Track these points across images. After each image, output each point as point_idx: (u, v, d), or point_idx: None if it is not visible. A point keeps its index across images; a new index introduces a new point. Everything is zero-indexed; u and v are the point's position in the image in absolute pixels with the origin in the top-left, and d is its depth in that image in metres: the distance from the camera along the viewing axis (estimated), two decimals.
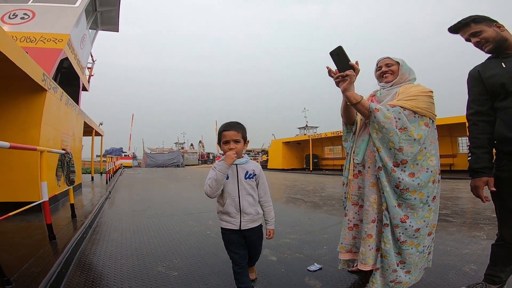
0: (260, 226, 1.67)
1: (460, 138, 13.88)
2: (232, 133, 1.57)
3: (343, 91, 1.54)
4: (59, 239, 2.61)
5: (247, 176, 1.61)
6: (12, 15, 6.70)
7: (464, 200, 5.61)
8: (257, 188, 1.66)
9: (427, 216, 1.57)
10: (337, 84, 1.55)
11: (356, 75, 1.52)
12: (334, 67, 1.55)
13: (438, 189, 1.63)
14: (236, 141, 1.57)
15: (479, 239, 2.88)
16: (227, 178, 1.58)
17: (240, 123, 1.65)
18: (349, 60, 1.50)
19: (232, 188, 1.58)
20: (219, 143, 1.63)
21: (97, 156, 11.97)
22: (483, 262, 2.14)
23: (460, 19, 1.54)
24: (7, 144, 1.84)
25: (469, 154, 1.51)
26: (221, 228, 1.63)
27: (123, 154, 29.48)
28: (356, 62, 1.51)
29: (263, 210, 1.68)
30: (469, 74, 1.58)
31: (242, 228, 1.58)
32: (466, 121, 1.58)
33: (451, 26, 1.57)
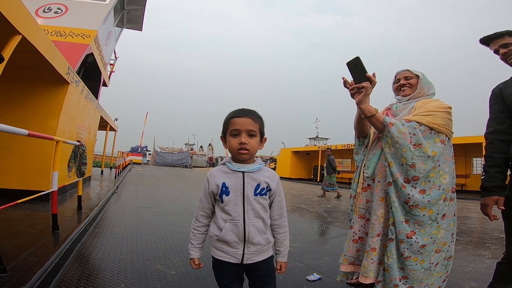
0: (272, 257, 1.15)
1: (475, 159, 13.48)
2: (246, 121, 1.07)
3: (358, 103, 1.51)
4: (62, 230, 2.65)
5: (257, 192, 1.08)
6: (47, 9, 6.99)
7: (472, 220, 5.51)
8: (271, 203, 1.14)
9: (435, 233, 1.53)
10: (352, 95, 1.53)
11: (373, 87, 1.49)
12: (350, 78, 1.53)
13: (450, 207, 1.59)
14: (251, 134, 1.07)
15: (484, 258, 2.87)
16: (228, 192, 1.07)
17: (257, 112, 1.13)
18: (366, 72, 1.47)
19: (234, 207, 1.07)
20: (224, 136, 1.13)
21: (123, 152, 12.47)
22: (484, 280, 2.13)
23: (495, 32, 1.51)
24: (25, 131, 1.90)
25: (483, 173, 1.47)
26: (213, 257, 1.12)
27: (147, 152, 32.73)
28: (373, 74, 1.48)
29: (275, 237, 1.15)
30: (492, 91, 1.53)
31: (245, 262, 1.08)
32: (482, 141, 1.54)
33: (484, 37, 1.53)
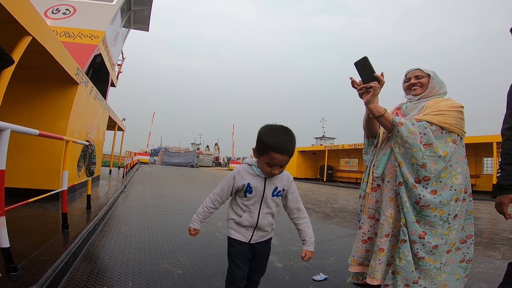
0: (270, 239, 1.44)
1: (485, 159, 13.22)
2: (284, 158, 1.22)
3: (366, 103, 1.50)
4: (72, 229, 2.68)
5: (275, 193, 1.33)
6: (55, 10, 7.05)
7: (483, 220, 5.41)
8: (286, 200, 1.39)
9: (446, 234, 1.51)
10: (361, 95, 1.52)
11: (381, 87, 1.48)
12: (358, 78, 1.52)
13: (462, 208, 1.56)
14: (283, 165, 1.28)
15: (493, 259, 2.85)
16: (251, 191, 1.31)
17: (294, 137, 1.26)
18: (374, 71, 1.45)
19: (254, 203, 1.33)
20: (258, 153, 1.27)
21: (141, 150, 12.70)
22: (494, 281, 2.11)
23: None
24: (36, 131, 1.93)
25: (499, 170, 1.43)
26: (229, 237, 1.38)
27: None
28: (381, 74, 1.47)
29: (298, 229, 1.41)
30: (510, 86, 1.49)
31: (251, 242, 1.36)
32: (493, 141, 1.50)
33: None
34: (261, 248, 1.39)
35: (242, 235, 1.35)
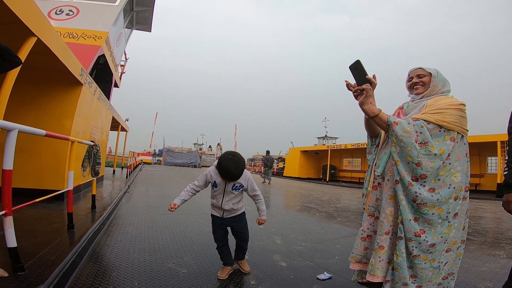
0: (240, 214, 2.11)
1: (489, 158, 13.09)
2: (232, 181, 1.96)
3: (360, 105, 1.55)
4: (77, 228, 2.70)
5: (233, 188, 1.99)
6: (59, 11, 7.09)
7: (487, 219, 5.37)
8: (248, 192, 2.07)
9: (446, 232, 1.51)
10: (356, 97, 1.57)
11: (373, 88, 1.53)
12: (353, 81, 1.57)
13: (463, 206, 1.56)
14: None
15: (499, 258, 2.84)
16: (216, 186, 2.00)
17: (240, 167, 1.90)
18: (366, 74, 1.51)
19: (219, 192, 2.02)
20: (218, 170, 1.93)
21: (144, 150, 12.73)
22: (499, 280, 2.10)
23: None
24: (43, 132, 1.95)
25: (506, 169, 1.43)
26: (211, 214, 2.11)
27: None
28: (374, 76, 1.52)
29: (256, 206, 2.12)
30: None
31: (224, 216, 2.05)
32: (497, 140, 1.49)
33: None
34: (233, 221, 2.07)
35: (216, 212, 2.07)
